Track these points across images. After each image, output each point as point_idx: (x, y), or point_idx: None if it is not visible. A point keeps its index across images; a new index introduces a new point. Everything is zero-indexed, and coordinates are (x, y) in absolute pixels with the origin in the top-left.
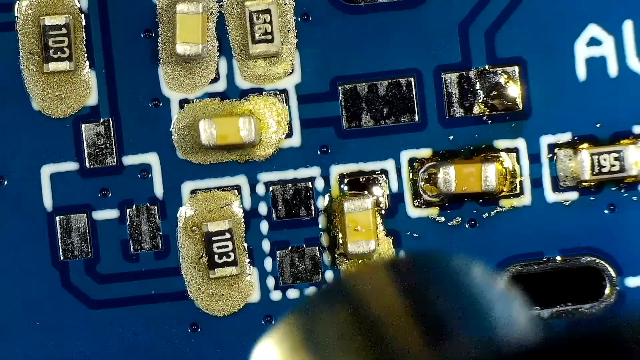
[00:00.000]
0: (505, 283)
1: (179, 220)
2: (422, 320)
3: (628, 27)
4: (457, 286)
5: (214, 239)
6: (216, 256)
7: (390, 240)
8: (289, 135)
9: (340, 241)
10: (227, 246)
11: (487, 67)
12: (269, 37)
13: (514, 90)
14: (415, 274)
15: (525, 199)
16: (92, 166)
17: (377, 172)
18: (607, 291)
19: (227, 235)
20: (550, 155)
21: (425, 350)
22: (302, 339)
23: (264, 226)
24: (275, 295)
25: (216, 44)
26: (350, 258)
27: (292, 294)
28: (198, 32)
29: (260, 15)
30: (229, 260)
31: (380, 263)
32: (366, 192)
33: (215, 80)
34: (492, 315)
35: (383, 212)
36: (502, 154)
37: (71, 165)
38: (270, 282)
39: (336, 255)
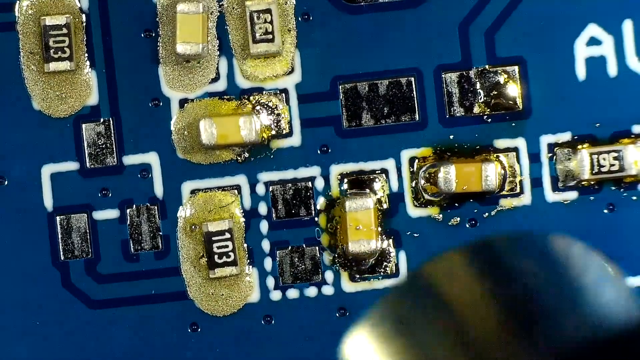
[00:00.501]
0: (605, 262)
1: (179, 220)
2: (511, 304)
3: (628, 26)
4: (549, 266)
5: (214, 238)
6: (216, 256)
7: (390, 240)
8: (289, 134)
9: (340, 240)
10: (227, 246)
11: (487, 66)
12: (270, 36)
13: (514, 90)
14: (501, 257)
15: (525, 199)
16: (92, 166)
17: (377, 172)
18: None
19: (227, 235)
20: (550, 154)
21: (516, 335)
22: (391, 327)
23: (264, 226)
24: (275, 295)
25: (216, 44)
26: (350, 257)
27: (292, 294)
28: (198, 32)
29: (260, 15)
30: (229, 260)
31: (460, 252)
32: (367, 191)
33: (216, 79)
34: (591, 296)
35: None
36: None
37: (71, 165)
38: (270, 282)
39: (336, 255)
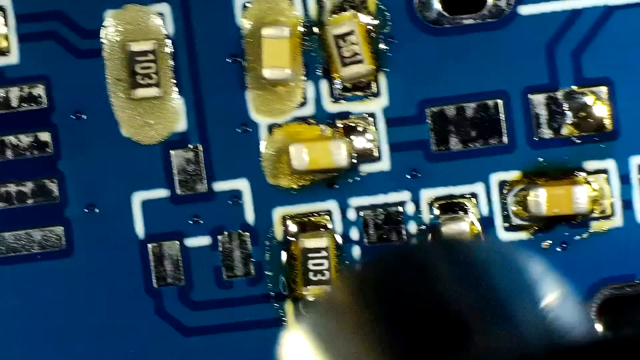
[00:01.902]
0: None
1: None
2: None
3: None
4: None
5: (309, 255)
6: (311, 273)
7: None
8: (378, 159)
9: None
10: (322, 264)
11: (574, 87)
12: (359, 57)
13: (602, 111)
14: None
15: (617, 221)
16: (183, 193)
17: (466, 196)
18: None
19: (324, 253)
20: None
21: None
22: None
23: (356, 251)
24: None
25: (303, 67)
26: None
27: None
28: (285, 56)
29: (346, 37)
30: (323, 278)
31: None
32: (461, 213)
33: (303, 104)
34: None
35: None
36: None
37: (162, 192)
38: None
39: None
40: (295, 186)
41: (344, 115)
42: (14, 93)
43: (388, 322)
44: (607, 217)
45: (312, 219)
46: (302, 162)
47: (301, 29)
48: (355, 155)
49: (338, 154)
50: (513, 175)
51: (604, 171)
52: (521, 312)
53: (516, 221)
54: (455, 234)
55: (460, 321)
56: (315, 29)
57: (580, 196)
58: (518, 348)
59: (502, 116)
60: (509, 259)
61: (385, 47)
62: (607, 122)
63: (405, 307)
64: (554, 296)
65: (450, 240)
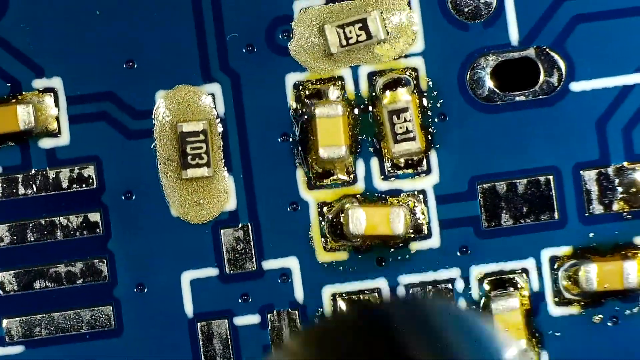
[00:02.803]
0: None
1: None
2: None
3: None
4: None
5: None
6: None
7: (534, 340)
8: (428, 236)
9: None
10: None
11: (625, 163)
12: (411, 134)
13: None
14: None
15: None
16: (232, 271)
17: (517, 271)
18: None
19: None
20: None
21: None
22: None
23: None
24: None
25: (354, 144)
26: None
27: None
28: (339, 135)
29: (400, 114)
30: None
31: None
32: (511, 289)
33: (354, 182)
34: None
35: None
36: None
37: (211, 271)
38: None
39: None
40: (344, 264)
41: (395, 192)
42: (65, 174)
43: None
44: None
45: (362, 296)
46: (359, 227)
47: (353, 106)
48: (411, 227)
49: (397, 221)
50: (564, 250)
51: None
52: None
53: (567, 296)
54: (414, 293)
55: None
56: (369, 106)
57: (630, 271)
58: None
59: (553, 192)
60: (464, 319)
61: (437, 123)
62: None
63: None
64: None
65: (410, 299)
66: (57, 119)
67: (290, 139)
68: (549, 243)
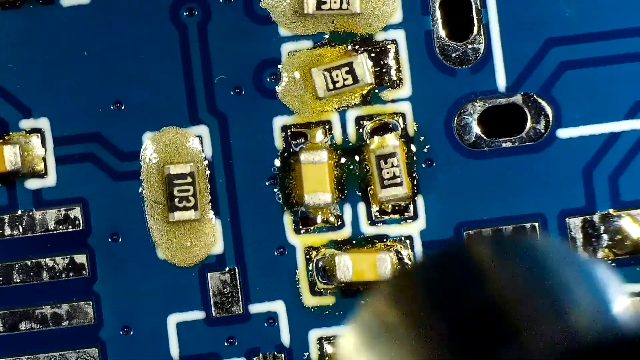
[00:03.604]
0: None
1: None
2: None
3: None
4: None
5: None
6: None
7: None
8: None
9: None
10: None
11: (611, 210)
12: (398, 180)
13: (638, 233)
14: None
15: None
16: (218, 315)
17: None
18: None
19: None
20: None
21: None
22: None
23: None
24: None
25: (339, 190)
26: None
27: None
28: (325, 181)
29: (388, 159)
30: None
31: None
32: None
33: (340, 226)
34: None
35: None
36: None
37: (197, 314)
38: None
39: None
40: (331, 310)
41: (381, 238)
42: (51, 215)
43: (437, 320)
44: None
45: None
46: (346, 274)
47: (339, 154)
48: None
49: (383, 267)
50: None
51: None
52: (578, 310)
53: None
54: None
55: (511, 319)
56: (354, 151)
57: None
58: (568, 341)
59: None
60: (566, 255)
61: (423, 169)
62: None
63: (455, 305)
64: (622, 302)
65: (503, 238)
66: (44, 159)
67: (277, 182)
68: None
